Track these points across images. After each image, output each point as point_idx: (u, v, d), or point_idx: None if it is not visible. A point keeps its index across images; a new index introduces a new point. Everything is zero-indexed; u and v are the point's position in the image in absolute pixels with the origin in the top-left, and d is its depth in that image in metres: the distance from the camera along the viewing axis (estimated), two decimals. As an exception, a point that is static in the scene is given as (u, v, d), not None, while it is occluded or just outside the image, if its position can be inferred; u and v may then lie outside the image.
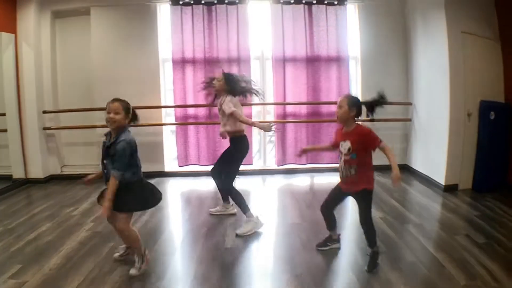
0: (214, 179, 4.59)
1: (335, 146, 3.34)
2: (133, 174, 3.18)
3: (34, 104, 6.18)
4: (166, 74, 6.59)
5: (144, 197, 3.26)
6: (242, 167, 5.19)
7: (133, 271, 3.27)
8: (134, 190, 3.19)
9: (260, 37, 6.46)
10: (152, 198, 3.33)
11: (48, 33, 6.34)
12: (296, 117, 6.44)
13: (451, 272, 3.20)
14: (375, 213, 4.54)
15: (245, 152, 4.37)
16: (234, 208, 4.67)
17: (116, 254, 3.56)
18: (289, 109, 6.44)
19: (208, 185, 6.09)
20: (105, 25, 6.34)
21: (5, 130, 6.14)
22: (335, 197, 3.47)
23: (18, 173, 6.24)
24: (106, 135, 3.20)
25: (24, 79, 6.12)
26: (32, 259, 3.59)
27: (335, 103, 6.34)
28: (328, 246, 3.64)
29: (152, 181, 5.97)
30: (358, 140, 3.15)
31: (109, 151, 3.08)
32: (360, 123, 3.28)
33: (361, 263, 3.39)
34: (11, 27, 5.97)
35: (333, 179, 6.10)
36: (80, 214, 4.88)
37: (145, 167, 6.31)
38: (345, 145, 3.19)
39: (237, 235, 4.06)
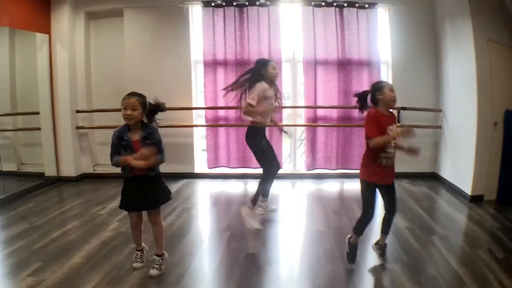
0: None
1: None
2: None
3: (67, 104, 6.26)
4: (198, 76, 6.53)
5: (167, 188, 3.38)
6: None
7: (154, 272, 3.22)
8: (162, 182, 3.33)
9: (291, 39, 6.33)
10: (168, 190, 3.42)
11: (82, 34, 6.41)
12: (326, 121, 6.26)
13: (470, 288, 3.00)
14: (402, 223, 4.35)
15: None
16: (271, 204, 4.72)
17: (136, 264, 3.44)
18: (320, 112, 6.27)
19: (237, 187, 6.01)
20: (137, 26, 6.36)
21: (39, 129, 6.24)
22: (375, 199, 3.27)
23: (50, 171, 6.33)
24: (122, 132, 3.19)
25: (58, 79, 6.21)
26: (53, 257, 3.59)
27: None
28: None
29: (182, 182, 6.13)
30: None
31: (144, 143, 3.11)
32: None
33: (381, 274, 3.22)
34: (46, 28, 6.07)
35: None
36: (107, 213, 4.87)
37: (174, 168, 6.43)
38: (394, 129, 3.01)
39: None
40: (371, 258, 3.51)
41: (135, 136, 3.12)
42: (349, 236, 3.36)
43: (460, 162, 5.49)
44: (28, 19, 5.72)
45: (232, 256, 3.62)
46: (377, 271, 3.29)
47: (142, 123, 3.20)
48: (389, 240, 3.81)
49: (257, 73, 4.32)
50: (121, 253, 3.68)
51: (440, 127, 6.13)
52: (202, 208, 5.27)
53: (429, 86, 6.19)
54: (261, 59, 4.52)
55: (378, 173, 3.11)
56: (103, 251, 3.73)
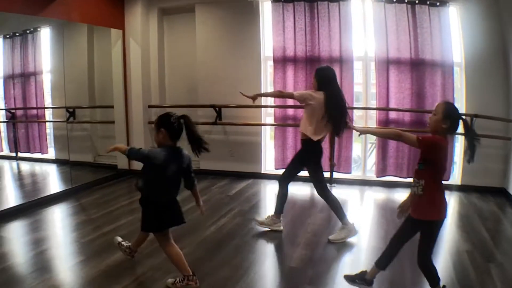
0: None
1: None
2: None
3: (140, 99, 6.37)
4: (268, 72, 6.32)
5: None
6: (339, 175, 4.68)
7: (170, 280, 3.04)
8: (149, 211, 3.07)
9: (363, 36, 5.90)
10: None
11: (156, 29, 6.49)
12: (399, 125, 5.73)
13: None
14: (463, 245, 3.80)
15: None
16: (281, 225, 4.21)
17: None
18: (392, 115, 5.79)
19: (303, 191, 5.71)
20: (209, 22, 6.31)
21: (113, 122, 6.42)
22: (404, 228, 2.75)
23: (122, 164, 6.50)
24: None
25: (131, 74, 6.34)
26: (96, 253, 3.60)
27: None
28: (356, 283, 2.94)
29: (247, 182, 5.95)
30: (427, 149, 2.50)
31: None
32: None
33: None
34: (120, 24, 6.21)
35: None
36: (165, 210, 4.81)
37: (241, 167, 6.27)
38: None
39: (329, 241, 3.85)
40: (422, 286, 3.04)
41: None
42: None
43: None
44: (103, 16, 5.89)
45: (274, 268, 3.34)
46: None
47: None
48: (446, 267, 3.33)
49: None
50: (161, 255, 3.53)
51: (510, 138, 5.32)
52: (260, 211, 5.03)
53: (500, 93, 5.40)
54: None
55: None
56: (146, 251, 3.64)
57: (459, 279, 3.14)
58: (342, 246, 3.85)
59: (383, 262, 2.79)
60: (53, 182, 6.12)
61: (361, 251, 3.77)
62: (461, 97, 5.59)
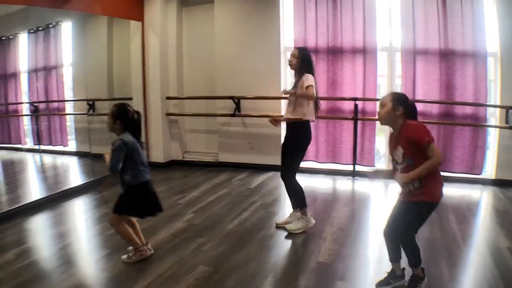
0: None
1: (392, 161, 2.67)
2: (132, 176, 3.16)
3: (158, 90, 6.34)
4: (287, 64, 6.20)
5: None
6: (362, 168, 4.56)
7: (123, 257, 3.26)
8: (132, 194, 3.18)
9: (389, 26, 5.75)
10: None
11: (175, 21, 6.44)
12: (426, 117, 5.60)
13: None
14: (504, 241, 3.67)
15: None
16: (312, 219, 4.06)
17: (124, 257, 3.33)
18: (419, 107, 5.51)
19: (324, 184, 5.66)
20: (228, 13, 6.23)
21: (132, 114, 6.39)
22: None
23: (141, 156, 6.45)
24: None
25: (150, 65, 6.31)
26: (121, 246, 3.52)
27: (471, 104, 5.22)
28: (391, 284, 2.83)
29: (267, 175, 5.89)
30: (407, 142, 2.49)
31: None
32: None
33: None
34: (139, 16, 6.17)
35: (466, 191, 5.18)
36: (186, 203, 4.84)
37: (261, 160, 6.22)
38: (398, 153, 2.56)
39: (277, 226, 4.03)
40: (464, 285, 2.96)
41: None
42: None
43: None
44: (123, 8, 5.87)
45: (301, 263, 3.29)
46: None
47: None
48: (485, 261, 3.24)
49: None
50: (187, 248, 3.55)
51: None
52: (282, 205, 4.98)
53: None
54: None
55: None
56: (170, 244, 3.64)
57: (502, 276, 3.01)
58: (371, 240, 3.80)
59: (393, 255, 2.77)
60: (75, 175, 6.13)
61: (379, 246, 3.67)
62: (495, 88, 5.43)
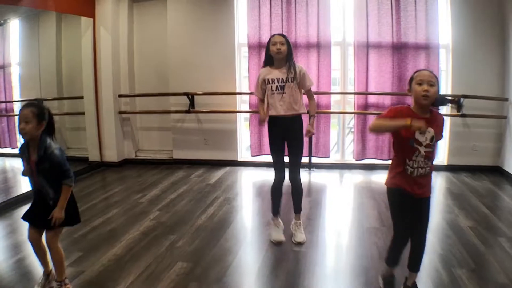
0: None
1: (405, 137, 2.40)
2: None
3: (110, 88, 6.21)
4: (242, 59, 6.30)
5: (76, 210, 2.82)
6: (318, 160, 4.75)
7: None
8: (71, 203, 2.73)
9: (342, 21, 5.96)
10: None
11: (126, 17, 6.32)
12: (379, 108, 5.86)
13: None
14: (465, 222, 3.97)
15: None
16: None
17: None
18: (372, 99, 5.90)
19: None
20: (181, 9, 6.19)
21: (83, 113, 6.23)
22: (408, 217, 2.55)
23: (93, 156, 6.33)
24: (22, 148, 2.67)
25: (101, 63, 6.15)
26: (93, 247, 3.50)
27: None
28: None
29: (224, 170, 5.96)
30: (440, 129, 2.48)
31: (39, 167, 2.58)
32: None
33: (446, 280, 2.89)
34: (90, 12, 6.00)
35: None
36: (148, 201, 4.78)
37: (217, 155, 6.27)
38: (428, 135, 2.39)
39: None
40: (431, 261, 3.21)
41: (33, 156, 2.58)
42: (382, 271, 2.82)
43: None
44: (73, 3, 5.67)
45: (277, 253, 3.41)
46: (440, 277, 2.94)
47: (42, 140, 2.58)
48: (450, 240, 3.52)
49: (266, 55, 3.57)
50: (161, 245, 3.53)
51: (505, 117, 5.57)
52: (246, 199, 5.08)
53: (493, 72, 5.62)
54: None
55: (406, 180, 2.48)
56: (143, 242, 3.60)
57: (470, 255, 3.24)
58: (338, 227, 3.96)
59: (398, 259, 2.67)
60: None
61: (364, 231, 3.84)
62: (447, 78, 5.77)
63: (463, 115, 5.52)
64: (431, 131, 2.39)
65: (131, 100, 6.55)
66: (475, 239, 3.56)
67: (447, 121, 5.75)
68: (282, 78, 3.46)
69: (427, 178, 2.50)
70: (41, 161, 2.55)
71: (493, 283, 2.86)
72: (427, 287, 2.81)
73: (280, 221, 3.77)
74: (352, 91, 6.02)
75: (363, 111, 5.92)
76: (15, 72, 5.70)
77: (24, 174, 2.69)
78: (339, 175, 5.82)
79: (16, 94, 5.72)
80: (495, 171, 5.71)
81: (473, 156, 5.80)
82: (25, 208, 2.80)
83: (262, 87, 3.58)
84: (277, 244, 3.53)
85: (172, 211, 4.42)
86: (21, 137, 2.59)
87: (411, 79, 2.46)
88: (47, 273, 2.83)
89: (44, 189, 2.63)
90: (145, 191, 5.13)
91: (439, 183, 5.40)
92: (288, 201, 4.03)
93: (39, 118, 2.53)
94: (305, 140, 4.04)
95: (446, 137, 5.79)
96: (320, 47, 5.80)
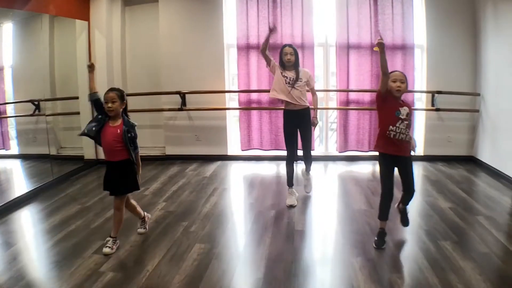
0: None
1: (390, 110, 3.35)
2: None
3: (105, 88, 6.37)
4: (231, 59, 6.68)
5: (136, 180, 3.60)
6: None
7: (106, 250, 3.45)
8: (133, 172, 3.53)
9: (324, 23, 6.45)
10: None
11: (119, 20, 6.60)
12: (359, 104, 6.40)
13: (529, 266, 3.11)
14: (444, 204, 4.49)
15: None
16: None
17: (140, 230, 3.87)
18: (352, 96, 6.40)
19: (270, 169, 6.18)
20: (172, 12, 6.51)
21: (78, 113, 6.44)
22: (392, 175, 3.43)
23: (89, 154, 6.55)
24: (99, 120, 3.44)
25: (96, 64, 6.33)
26: (120, 233, 3.69)
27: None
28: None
29: (216, 164, 6.31)
30: (410, 109, 3.42)
31: (124, 136, 3.36)
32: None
33: (433, 250, 3.37)
34: (85, 15, 6.24)
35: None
36: (152, 194, 5.09)
37: (208, 150, 6.60)
38: (404, 111, 3.33)
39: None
40: (418, 236, 3.68)
41: (112, 123, 3.39)
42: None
43: (502, 145, 5.51)
44: (69, 7, 5.90)
45: (285, 232, 3.82)
46: (428, 248, 3.42)
47: (124, 118, 3.44)
48: (433, 219, 4.02)
49: (280, 60, 4.53)
50: (176, 231, 3.88)
51: (477, 111, 6.17)
52: (242, 189, 5.47)
53: (466, 70, 6.21)
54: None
55: (390, 143, 3.34)
56: (158, 229, 3.94)
57: (452, 230, 3.76)
58: (334, 210, 4.44)
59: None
60: (32, 176, 6.01)
61: (354, 212, 4.32)
62: (422, 76, 6.32)
63: (438, 110, 6.06)
64: (406, 109, 3.33)
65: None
66: (455, 218, 4.08)
67: (423, 115, 6.31)
68: (292, 78, 4.42)
69: (406, 143, 3.36)
70: (128, 131, 3.36)
71: (475, 252, 3.35)
72: (418, 256, 3.29)
73: (294, 190, 4.71)
74: (334, 88, 6.48)
75: (344, 107, 6.41)
76: (7, 75, 5.84)
77: (83, 134, 3.41)
78: (323, 166, 6.27)
79: (9, 97, 5.86)
80: (469, 161, 6.31)
81: (448, 147, 6.38)
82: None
83: (274, 63, 4.55)
84: (290, 207, 4.47)
85: (178, 201, 4.76)
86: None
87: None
88: (141, 218, 3.86)
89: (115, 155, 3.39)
90: (146, 185, 5.42)
91: (416, 171, 5.83)
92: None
93: (122, 99, 3.40)
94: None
95: (422, 130, 6.37)
96: (304, 47, 6.23)
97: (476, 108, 6.21)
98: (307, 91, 4.59)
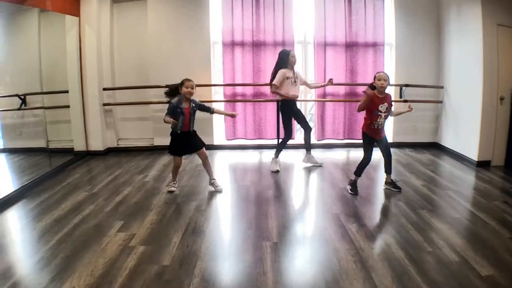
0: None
1: (373, 110, 4.44)
2: None
3: (95, 82, 6.69)
4: (216, 55, 7.10)
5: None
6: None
7: (219, 188, 4.87)
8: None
9: (303, 23, 7.04)
10: None
11: (108, 16, 6.87)
12: (335, 96, 7.05)
13: (495, 227, 3.73)
14: (417, 182, 5.12)
15: None
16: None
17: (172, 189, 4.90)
18: (329, 89, 6.99)
19: (254, 157, 6.65)
20: (160, 9, 6.86)
21: (68, 107, 6.61)
22: (372, 148, 4.61)
23: (79, 146, 6.75)
24: (179, 103, 4.71)
25: (86, 59, 6.62)
26: (130, 216, 4.07)
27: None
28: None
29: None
30: (389, 103, 4.49)
31: (193, 112, 4.76)
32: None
33: (413, 216, 3.95)
34: (75, 11, 6.45)
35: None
36: (153, 180, 5.39)
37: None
38: (384, 106, 4.41)
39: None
40: (399, 206, 4.26)
41: (186, 105, 4.69)
42: (350, 179, 4.75)
43: (464, 132, 6.23)
44: (60, 2, 6.06)
45: (277, 204, 4.29)
46: (409, 216, 4.03)
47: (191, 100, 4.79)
48: (409, 193, 4.61)
49: (282, 61, 5.57)
50: (189, 209, 4.24)
51: (441, 101, 6.95)
52: (236, 174, 5.88)
53: (431, 65, 6.99)
54: (284, 51, 5.65)
55: (373, 131, 4.50)
56: (171, 209, 4.26)
57: (427, 201, 4.41)
58: (321, 188, 4.97)
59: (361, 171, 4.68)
60: (29, 168, 6.09)
61: (341, 190, 4.79)
62: (391, 71, 6.94)
63: (405, 101, 6.70)
64: (385, 105, 4.40)
65: (113, 93, 7.05)
66: (428, 192, 4.75)
67: (392, 107, 6.94)
68: (294, 77, 5.60)
69: (383, 129, 4.57)
70: (197, 108, 4.80)
71: (449, 217, 4.00)
72: (402, 223, 3.89)
73: (278, 159, 5.86)
74: (313, 82, 6.96)
75: (322, 99, 6.99)
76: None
77: (167, 121, 4.68)
78: (303, 154, 6.72)
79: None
80: (434, 146, 7.08)
81: (415, 134, 7.11)
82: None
83: (284, 80, 5.55)
84: (275, 172, 5.66)
85: (181, 185, 5.09)
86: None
87: (374, 77, 4.47)
88: (212, 178, 4.96)
89: (190, 126, 4.76)
90: (144, 173, 5.72)
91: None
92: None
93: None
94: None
95: (392, 119, 7.02)
96: (285, 45, 6.77)
97: (440, 99, 6.98)
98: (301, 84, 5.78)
